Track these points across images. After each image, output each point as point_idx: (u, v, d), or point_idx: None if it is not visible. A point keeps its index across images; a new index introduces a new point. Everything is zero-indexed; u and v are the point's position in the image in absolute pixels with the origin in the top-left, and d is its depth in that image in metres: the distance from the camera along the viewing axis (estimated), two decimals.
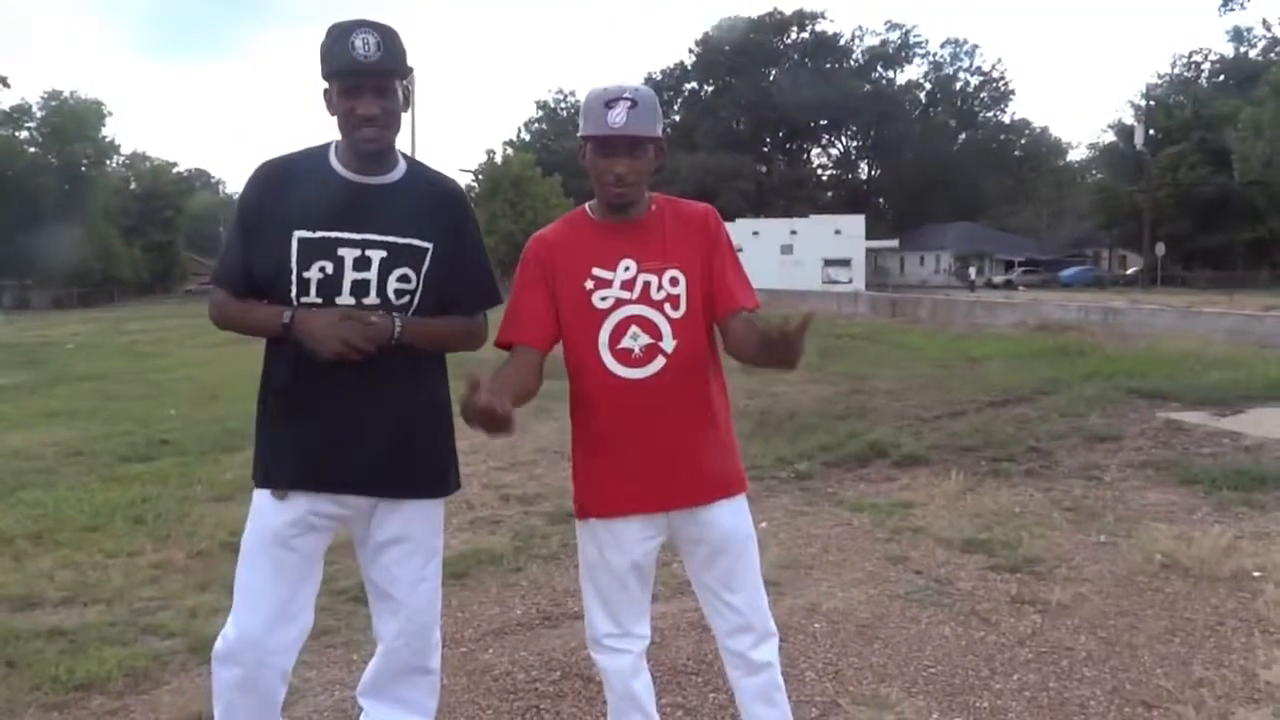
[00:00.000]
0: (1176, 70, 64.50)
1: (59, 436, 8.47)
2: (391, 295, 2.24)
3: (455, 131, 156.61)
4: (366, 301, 2.21)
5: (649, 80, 78.91)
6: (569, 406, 2.35)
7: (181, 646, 3.62)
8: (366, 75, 2.14)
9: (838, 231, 53.86)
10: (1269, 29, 57.55)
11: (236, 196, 2.31)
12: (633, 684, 2.40)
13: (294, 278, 2.19)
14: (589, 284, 2.24)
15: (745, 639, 2.37)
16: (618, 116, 2.16)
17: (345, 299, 2.20)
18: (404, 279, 2.25)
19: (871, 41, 79.42)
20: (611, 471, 2.28)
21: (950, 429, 7.83)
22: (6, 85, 56.04)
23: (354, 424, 2.26)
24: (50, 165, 58.28)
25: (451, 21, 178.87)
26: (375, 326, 2.17)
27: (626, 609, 2.37)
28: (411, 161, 2.34)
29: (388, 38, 2.15)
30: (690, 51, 79.80)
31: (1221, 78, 60.16)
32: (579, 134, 2.24)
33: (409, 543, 2.36)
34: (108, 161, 64.93)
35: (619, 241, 2.26)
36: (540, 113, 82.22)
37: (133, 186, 70.23)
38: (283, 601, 2.27)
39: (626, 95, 2.17)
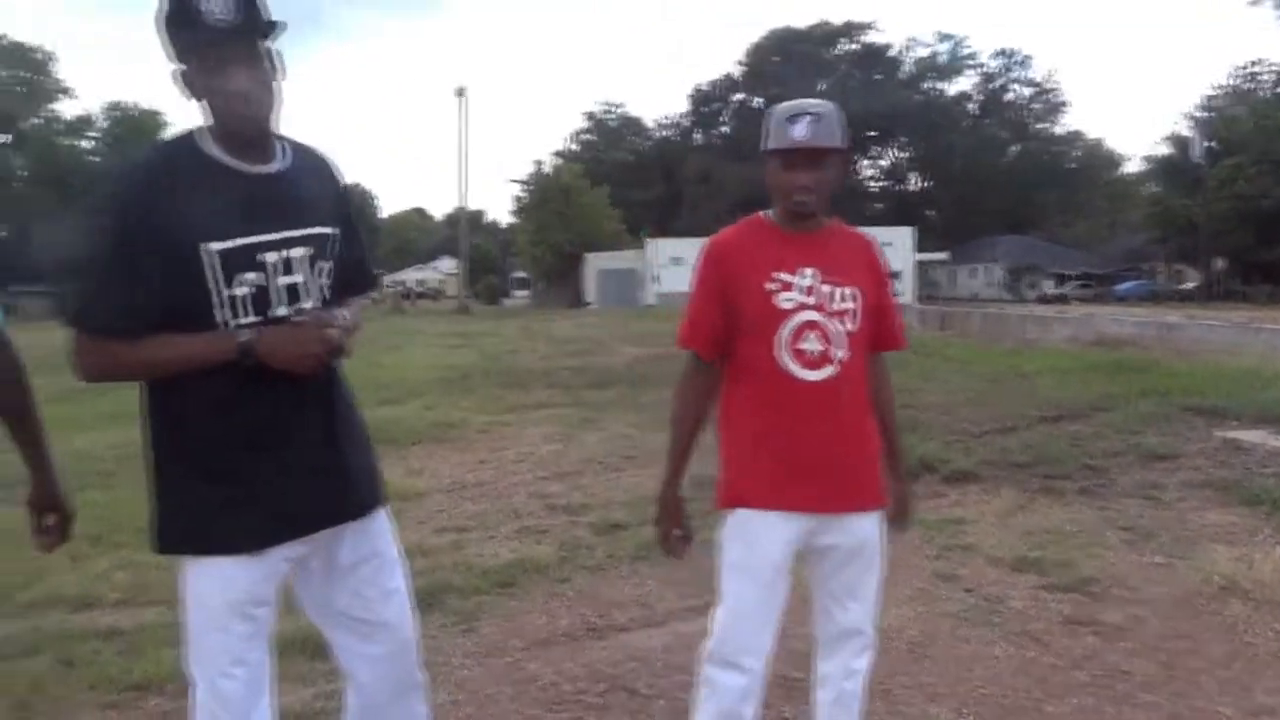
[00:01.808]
0: (1234, 81, 63.28)
1: (118, 439, 8.63)
2: (324, 292, 2.03)
3: (504, 143, 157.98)
4: (304, 307, 1.97)
5: (697, 91, 79.12)
6: (728, 401, 2.41)
7: None
8: (228, 43, 1.81)
9: (887, 243, 52.99)
10: None
11: (98, 224, 1.87)
12: (743, 708, 2.34)
13: (218, 299, 1.87)
14: (770, 285, 2.30)
15: (852, 644, 2.43)
16: (801, 131, 2.23)
17: (281, 310, 1.94)
18: (328, 273, 2.04)
19: (922, 52, 78.79)
20: (774, 465, 2.32)
21: (1001, 445, 7.71)
22: (72, 96, 57.52)
23: (312, 451, 2.01)
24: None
25: (501, 33, 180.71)
26: (343, 326, 1.97)
27: (763, 618, 2.36)
28: (281, 137, 2.03)
29: None
30: (739, 63, 79.83)
31: None
32: (762, 150, 2.30)
33: (376, 558, 2.16)
34: None
35: (801, 250, 2.33)
36: (589, 123, 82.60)
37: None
38: (264, 661, 2.06)
39: (810, 111, 2.24)
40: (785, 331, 2.29)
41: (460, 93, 42.73)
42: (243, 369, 1.88)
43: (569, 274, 56.83)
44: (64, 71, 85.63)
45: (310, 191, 2.03)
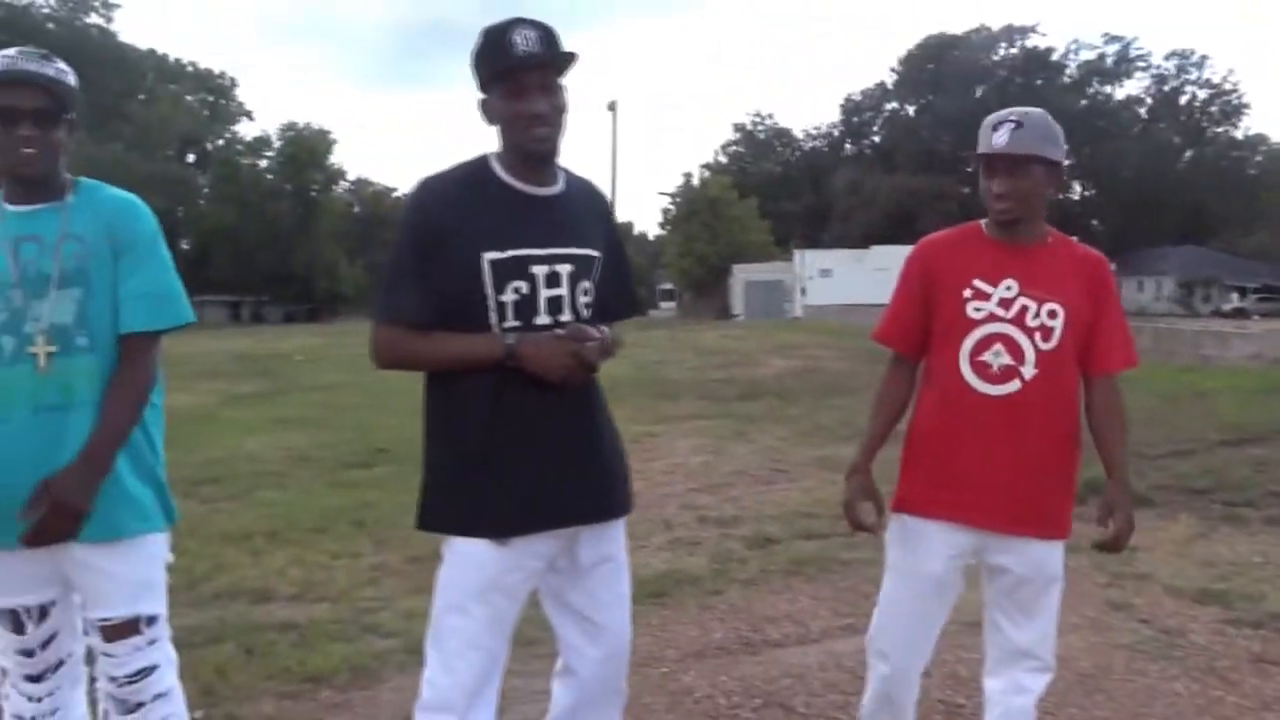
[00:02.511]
0: None
1: (289, 442, 9.14)
2: (582, 309, 2.18)
3: (653, 155, 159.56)
4: (562, 319, 2.12)
5: (848, 101, 78.06)
6: (915, 403, 2.42)
7: (399, 646, 3.80)
8: (532, 70, 2.03)
9: None
10: None
11: (399, 224, 2.16)
12: (893, 691, 2.44)
13: (490, 302, 2.08)
14: (967, 293, 2.28)
15: (1024, 662, 2.36)
16: (1000, 137, 2.21)
17: (542, 319, 2.11)
18: (586, 291, 2.19)
19: (1088, 55, 75.45)
20: (939, 474, 2.32)
21: (1177, 469, 7.27)
22: (251, 118, 61.33)
23: (570, 450, 2.15)
24: (285, 191, 63.31)
25: (651, 46, 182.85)
26: (602, 340, 2.10)
27: (914, 622, 2.38)
28: (562, 167, 2.24)
29: (547, 33, 2.04)
30: (892, 70, 78.36)
31: None
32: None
33: (611, 562, 2.28)
34: (335, 187, 69.88)
35: (1006, 260, 2.29)
36: (738, 135, 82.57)
37: (356, 210, 75.19)
38: (499, 652, 2.19)
39: (1013, 118, 2.23)
40: (970, 341, 2.26)
41: (611, 106, 43.33)
42: (509, 371, 2.06)
43: (716, 286, 56.90)
44: (244, 94, 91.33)
45: (581, 216, 2.22)
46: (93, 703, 2.35)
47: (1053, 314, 2.24)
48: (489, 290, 2.06)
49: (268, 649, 3.82)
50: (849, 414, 10.00)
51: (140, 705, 2.20)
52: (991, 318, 2.24)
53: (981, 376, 2.25)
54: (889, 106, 79.07)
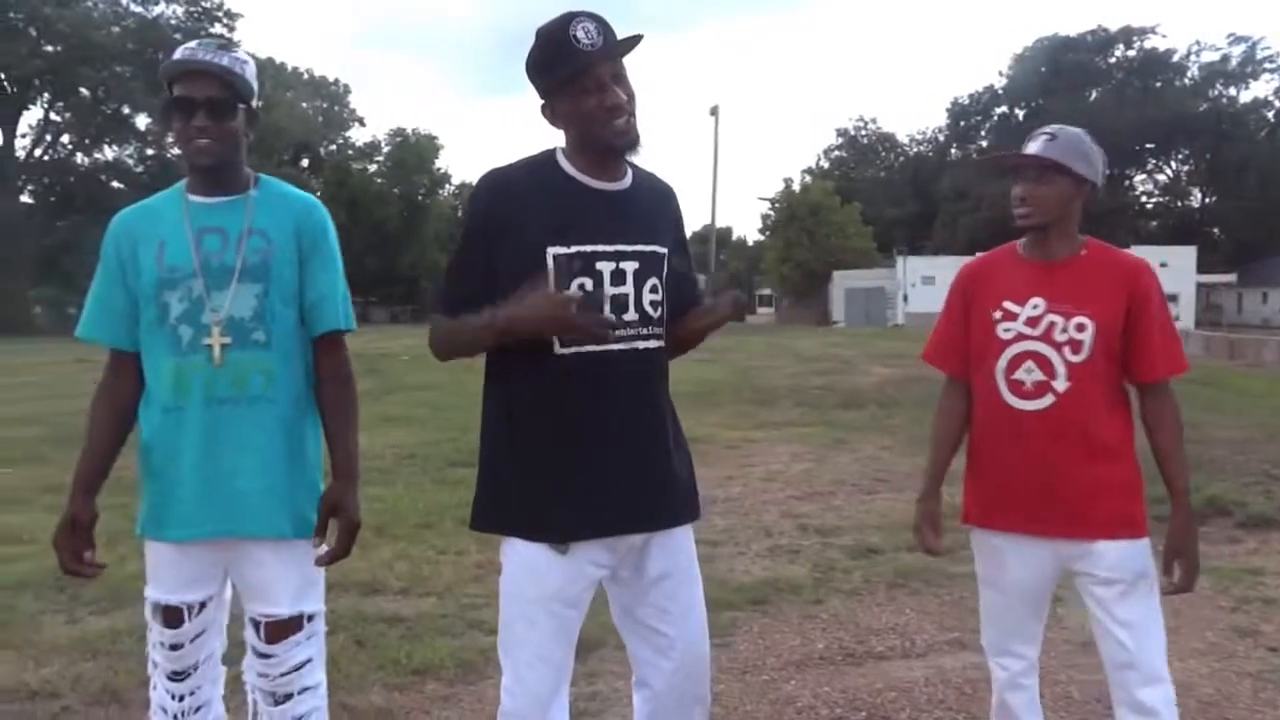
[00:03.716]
0: None
1: (396, 440, 9.37)
2: (648, 308, 2.10)
3: (754, 160, 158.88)
4: (626, 318, 2.05)
5: (955, 104, 76.42)
6: (971, 419, 2.50)
7: None
8: (602, 63, 1.95)
9: (1163, 264, 49.17)
10: None
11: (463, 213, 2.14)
12: (1007, 696, 2.51)
13: None
14: (996, 314, 2.38)
15: (1130, 676, 2.32)
16: (1031, 145, 2.33)
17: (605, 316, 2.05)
18: (654, 289, 2.11)
19: (1210, 57, 72.19)
20: (991, 488, 2.42)
21: None
22: (362, 124, 63.13)
23: (632, 455, 2.08)
24: (393, 195, 64.96)
25: (754, 50, 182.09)
26: (605, 321, 2.01)
27: (1008, 626, 2.49)
28: (629, 162, 2.15)
29: (603, 22, 1.98)
30: (1001, 74, 76.44)
31: None
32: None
33: (680, 573, 2.17)
34: (440, 191, 71.38)
35: (1035, 279, 2.37)
36: (840, 140, 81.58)
37: (460, 214, 76.71)
38: (566, 662, 2.13)
39: (1049, 131, 2.35)
40: (1003, 360, 2.36)
41: (714, 111, 43.23)
42: (563, 371, 2.00)
43: (815, 292, 56.33)
44: (356, 101, 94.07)
45: (649, 212, 2.15)
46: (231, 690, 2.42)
47: (1081, 327, 2.29)
48: (551, 285, 1.98)
49: (377, 640, 3.92)
50: None
51: (289, 696, 2.24)
52: (1020, 337, 2.34)
53: (1016, 393, 2.34)
54: (998, 110, 77.05)
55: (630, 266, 2.06)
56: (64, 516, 2.19)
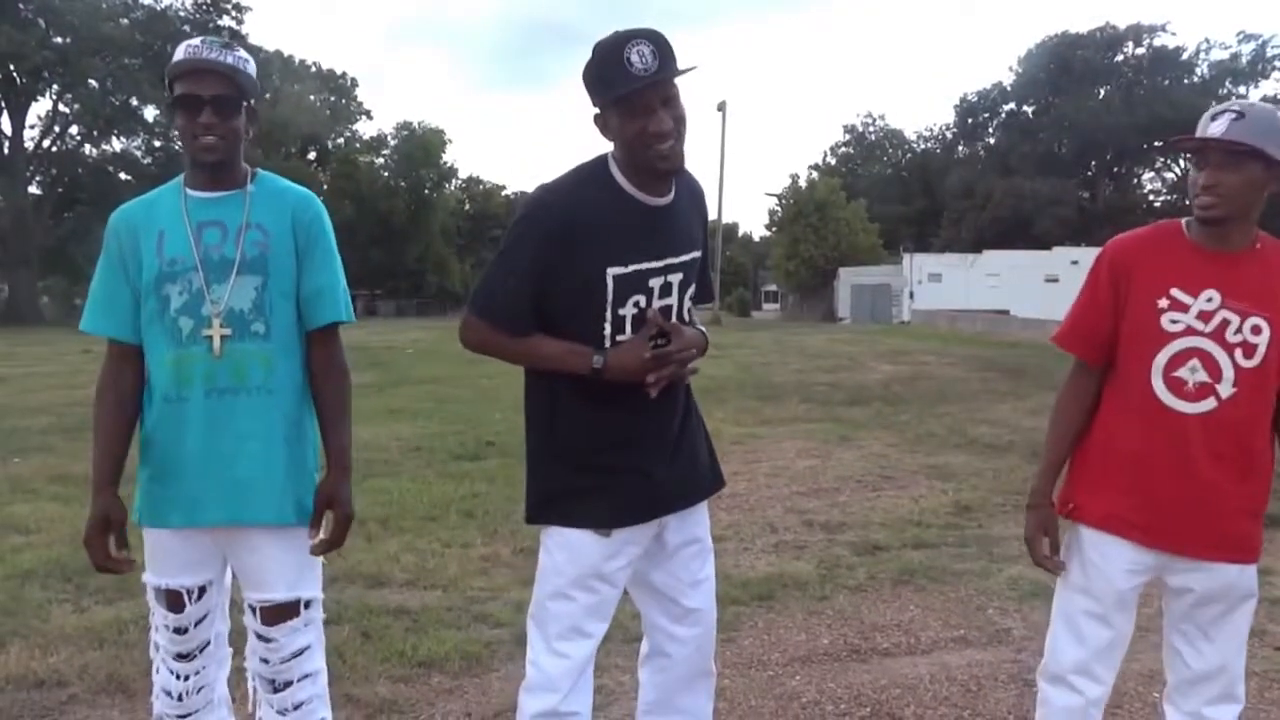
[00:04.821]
0: None
1: (401, 432, 9.37)
2: (686, 313, 2.23)
3: (760, 156, 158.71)
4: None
5: (963, 101, 76.16)
6: (1100, 410, 2.28)
7: (509, 637, 3.87)
8: (653, 88, 1.98)
9: None
10: None
11: (515, 224, 2.12)
12: None
13: (609, 315, 2.10)
14: (1163, 302, 2.13)
15: (1204, 691, 2.21)
16: (1216, 126, 2.05)
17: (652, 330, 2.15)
18: (691, 294, 2.24)
19: (1220, 55, 71.89)
20: (1126, 491, 2.19)
21: None
22: (370, 117, 63.14)
23: (666, 440, 2.21)
24: (399, 188, 64.99)
25: (762, 47, 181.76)
26: (688, 339, 2.14)
27: (1095, 644, 2.25)
28: None
29: (661, 44, 2.00)
30: (1010, 70, 76.13)
31: None
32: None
33: (696, 544, 2.32)
34: (447, 185, 71.39)
35: (1209, 268, 2.12)
36: (847, 136, 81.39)
37: (466, 208, 76.73)
38: (598, 636, 2.23)
39: (1235, 108, 2.07)
40: (1164, 355, 2.12)
41: (721, 107, 43.22)
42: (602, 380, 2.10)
43: (821, 288, 56.25)
44: (363, 94, 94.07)
45: (688, 220, 2.23)
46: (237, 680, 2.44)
47: (1256, 329, 2.08)
48: (609, 304, 2.08)
49: (383, 633, 3.93)
50: (958, 422, 9.79)
51: (288, 684, 2.27)
52: (1189, 331, 2.10)
53: (1175, 393, 2.11)
54: (1006, 107, 76.77)
55: (676, 279, 2.17)
56: (93, 514, 2.21)
